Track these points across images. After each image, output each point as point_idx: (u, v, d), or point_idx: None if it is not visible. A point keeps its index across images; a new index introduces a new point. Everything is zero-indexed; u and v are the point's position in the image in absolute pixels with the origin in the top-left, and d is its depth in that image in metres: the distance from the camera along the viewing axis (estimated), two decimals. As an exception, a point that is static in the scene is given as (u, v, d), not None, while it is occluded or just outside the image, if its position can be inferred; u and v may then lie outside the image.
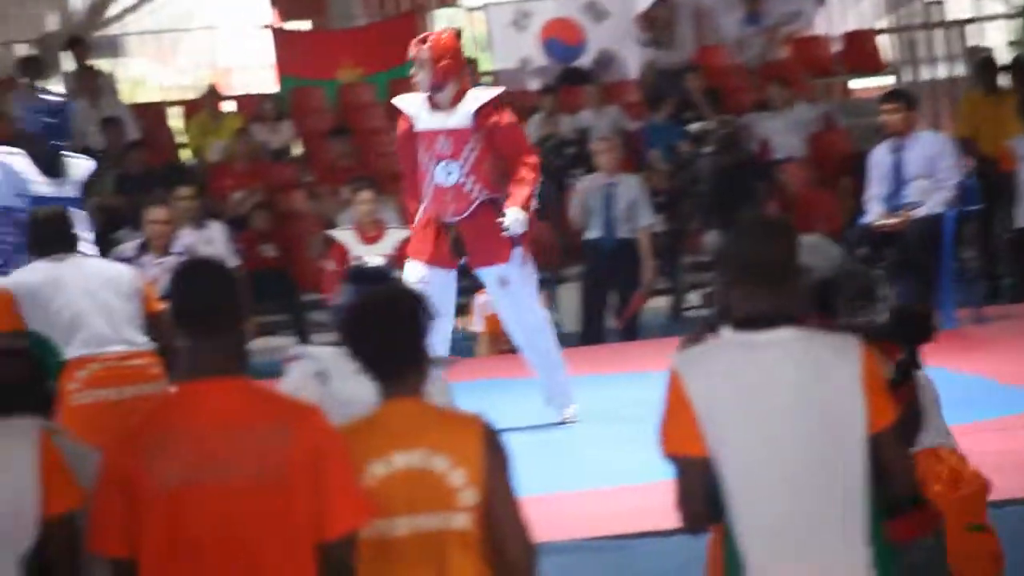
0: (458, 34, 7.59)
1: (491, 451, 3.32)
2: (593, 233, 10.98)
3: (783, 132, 13.25)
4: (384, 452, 3.29)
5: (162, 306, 6.11)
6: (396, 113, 7.64)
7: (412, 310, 3.40)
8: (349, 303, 3.55)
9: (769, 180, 12.14)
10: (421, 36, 7.48)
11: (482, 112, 7.36)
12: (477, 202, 7.39)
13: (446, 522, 3.28)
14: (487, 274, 7.57)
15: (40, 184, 6.95)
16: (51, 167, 6.99)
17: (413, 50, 7.41)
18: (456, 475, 3.28)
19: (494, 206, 7.42)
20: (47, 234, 5.96)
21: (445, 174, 7.36)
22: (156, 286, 8.31)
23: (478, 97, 7.42)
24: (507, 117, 7.49)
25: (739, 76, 14.61)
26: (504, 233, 7.35)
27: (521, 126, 7.87)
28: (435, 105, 7.40)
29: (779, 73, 14.10)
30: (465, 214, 7.40)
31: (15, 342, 4.12)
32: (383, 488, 3.27)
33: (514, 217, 7.33)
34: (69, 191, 7.03)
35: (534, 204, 7.48)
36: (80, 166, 7.18)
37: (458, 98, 7.38)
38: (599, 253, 10.92)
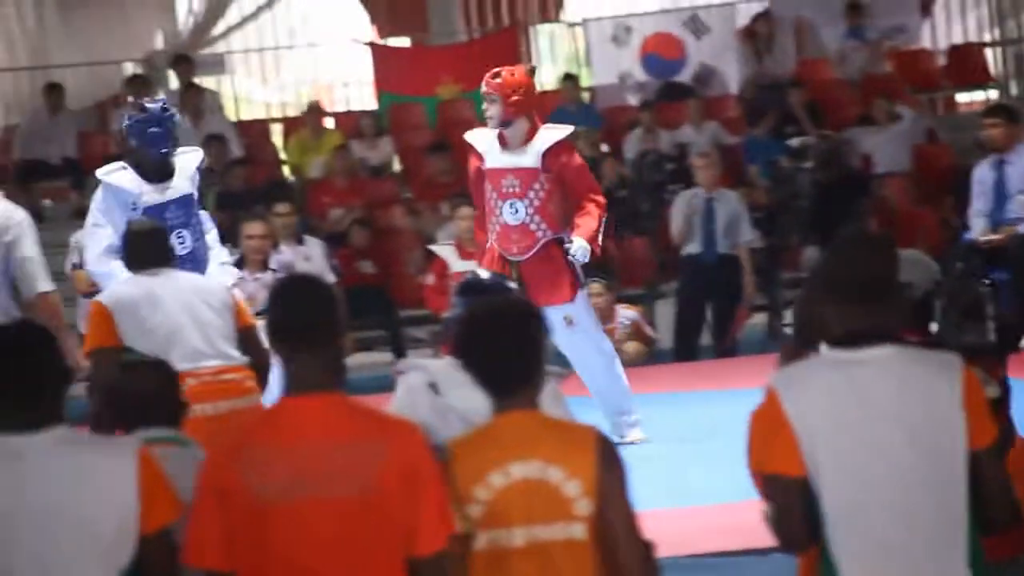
0: (531, 71, 7.62)
1: (605, 462, 3.33)
2: (692, 248, 10.92)
3: (886, 147, 13.12)
4: (501, 463, 3.31)
5: (253, 320, 6.16)
6: (468, 148, 7.66)
7: (528, 323, 3.41)
8: (464, 315, 3.54)
9: (870, 196, 12.02)
10: (493, 71, 7.49)
11: (551, 152, 7.38)
12: (542, 242, 7.40)
13: (562, 532, 3.29)
14: (550, 313, 7.50)
15: (148, 194, 6.98)
16: (157, 174, 7.03)
17: (485, 85, 7.44)
18: (571, 486, 3.29)
19: (559, 245, 7.43)
20: (142, 248, 5.97)
21: (511, 212, 7.40)
22: (253, 302, 8.41)
23: (548, 137, 7.44)
24: (576, 158, 7.54)
25: (841, 90, 14.48)
26: (570, 258, 7.33)
27: (589, 168, 7.84)
28: (505, 142, 7.43)
29: (882, 87, 13.96)
30: (530, 253, 7.41)
31: (148, 357, 4.18)
32: (501, 499, 3.30)
33: (579, 246, 7.32)
34: (179, 190, 7.03)
35: (600, 239, 7.46)
36: (187, 160, 7.16)
37: (529, 136, 7.41)
38: (697, 268, 10.86)
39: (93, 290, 8.47)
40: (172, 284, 5.88)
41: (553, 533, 3.29)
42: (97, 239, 6.98)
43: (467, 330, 3.44)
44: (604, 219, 7.48)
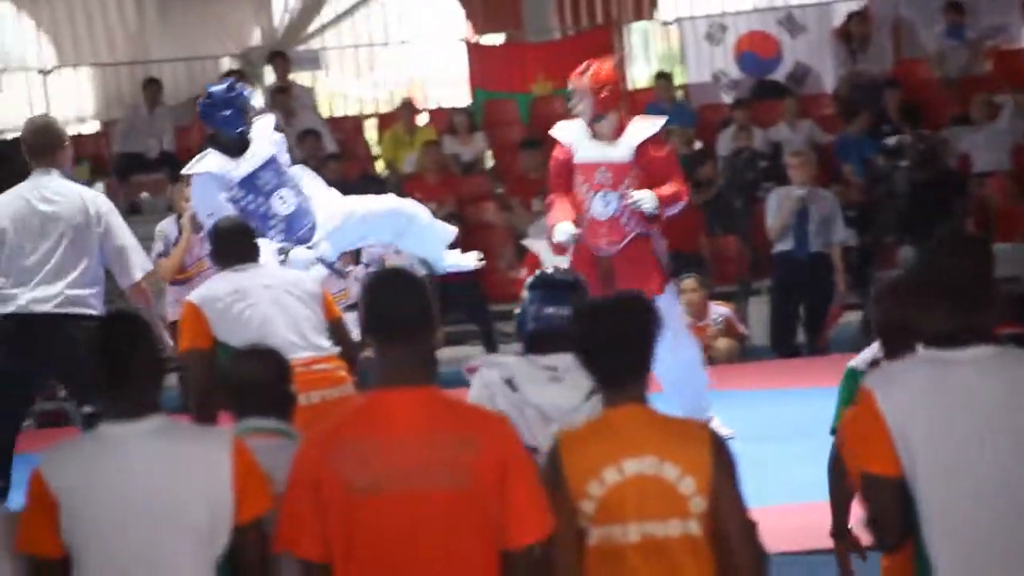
0: (619, 63, 7.59)
1: (719, 460, 3.35)
2: (785, 246, 10.87)
3: (984, 146, 12.96)
4: (616, 458, 3.34)
5: (340, 312, 6.18)
6: (552, 141, 7.66)
7: (645, 317, 3.45)
8: (583, 307, 3.56)
9: (967, 195, 11.89)
10: (581, 67, 7.50)
11: (644, 145, 7.38)
12: (631, 236, 7.40)
13: (676, 529, 3.32)
14: None
15: (233, 170, 7.08)
16: (239, 149, 7.10)
17: (573, 81, 7.45)
18: (685, 483, 3.32)
19: (648, 240, 7.42)
20: (228, 245, 5.99)
21: (603, 205, 7.39)
22: (346, 295, 8.48)
23: (642, 130, 7.44)
24: (665, 148, 7.55)
25: (938, 90, 14.31)
26: (629, 203, 7.27)
27: (677, 156, 7.84)
28: (595, 135, 7.44)
29: (981, 87, 13.78)
30: (618, 247, 7.41)
31: (261, 346, 4.21)
32: (615, 494, 3.32)
33: (645, 193, 7.28)
34: (262, 155, 7.11)
35: (669, 211, 7.41)
36: (261, 126, 7.24)
37: (620, 129, 7.41)
38: (790, 265, 10.82)
39: (179, 278, 8.60)
40: (259, 278, 5.90)
41: (668, 530, 3.32)
42: None
43: (586, 322, 3.47)
44: (681, 202, 7.42)
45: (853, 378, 4.48)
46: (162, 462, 3.34)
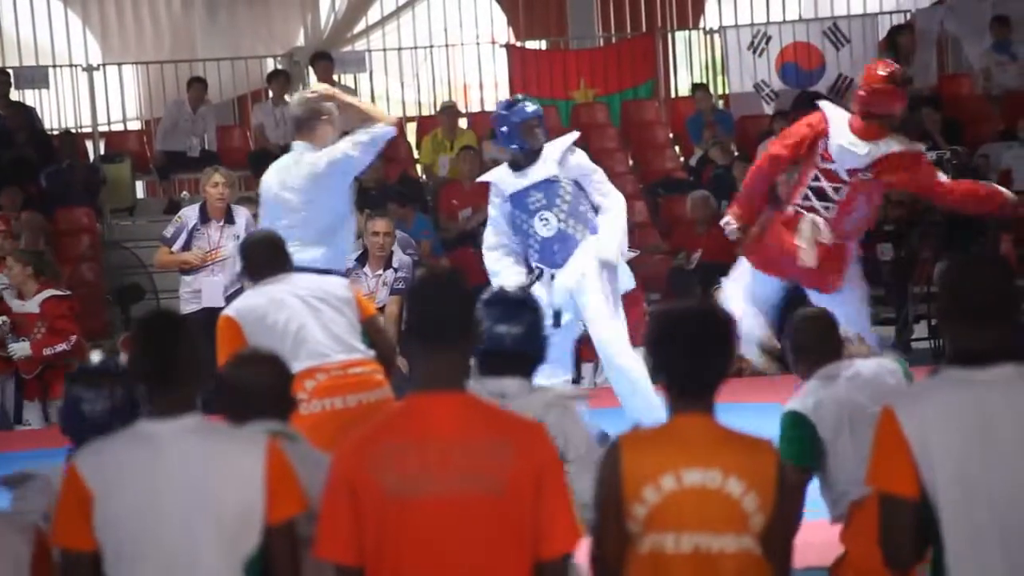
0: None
1: (782, 480, 3.36)
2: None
3: (1026, 162, 12.89)
4: (676, 466, 3.33)
5: (374, 309, 6.23)
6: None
7: (724, 328, 3.44)
8: (662, 313, 3.51)
9: (1005, 211, 11.81)
10: None
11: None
12: None
13: (731, 544, 3.32)
14: None
15: (510, 183, 7.42)
16: (524, 162, 7.42)
17: None
18: (749, 499, 3.32)
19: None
20: (258, 258, 5.96)
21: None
22: (373, 299, 8.51)
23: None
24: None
25: (981, 105, 14.23)
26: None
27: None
28: None
29: (1024, 103, 13.70)
30: None
31: (261, 350, 4.23)
32: (670, 502, 3.32)
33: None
34: (539, 174, 7.34)
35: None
36: (555, 145, 7.44)
37: None
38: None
39: (195, 265, 8.98)
40: (291, 287, 5.88)
41: (722, 544, 3.31)
42: (490, 231, 7.53)
43: (663, 326, 3.45)
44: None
45: (800, 424, 4.50)
46: (197, 460, 3.35)
